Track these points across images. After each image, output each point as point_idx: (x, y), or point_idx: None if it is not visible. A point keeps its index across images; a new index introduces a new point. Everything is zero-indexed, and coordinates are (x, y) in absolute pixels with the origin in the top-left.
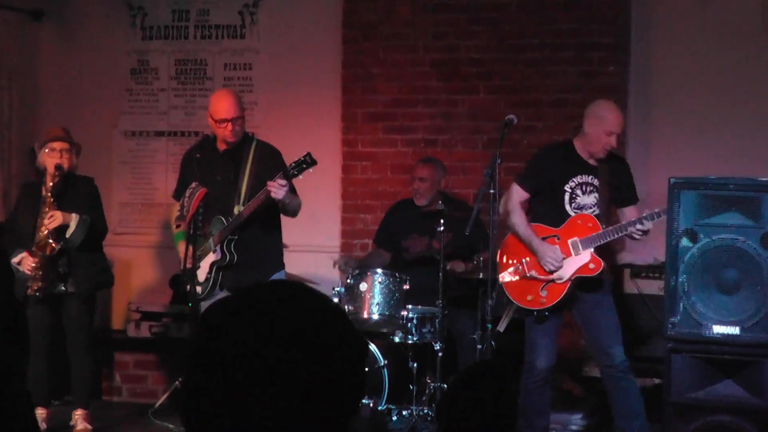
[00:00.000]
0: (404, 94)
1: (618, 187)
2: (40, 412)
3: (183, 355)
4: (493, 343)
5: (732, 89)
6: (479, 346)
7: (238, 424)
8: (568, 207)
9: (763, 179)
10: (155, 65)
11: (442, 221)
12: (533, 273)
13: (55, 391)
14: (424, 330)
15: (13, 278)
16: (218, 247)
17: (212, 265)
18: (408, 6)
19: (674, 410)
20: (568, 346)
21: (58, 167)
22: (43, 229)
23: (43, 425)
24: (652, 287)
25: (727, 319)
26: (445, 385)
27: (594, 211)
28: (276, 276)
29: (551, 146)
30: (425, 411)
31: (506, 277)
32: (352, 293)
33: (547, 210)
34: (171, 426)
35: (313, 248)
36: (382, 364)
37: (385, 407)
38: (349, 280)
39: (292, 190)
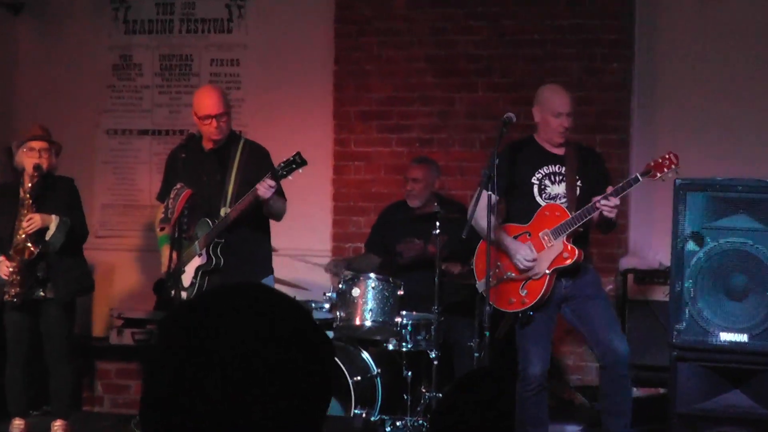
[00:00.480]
0: (399, 91)
1: (588, 175)
2: (18, 423)
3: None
4: (490, 351)
5: (741, 86)
6: (476, 354)
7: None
8: (539, 199)
9: None
10: (139, 61)
11: (438, 224)
12: (510, 274)
13: (34, 401)
14: (419, 337)
15: None
16: (204, 251)
17: (198, 269)
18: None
19: (680, 421)
20: (568, 353)
21: (36, 167)
22: (21, 232)
23: None
24: (657, 293)
25: (735, 326)
26: (441, 395)
27: (563, 200)
28: (265, 280)
29: (510, 144)
30: (420, 422)
31: (482, 286)
32: (345, 299)
33: (520, 207)
34: None
35: (303, 252)
36: (376, 372)
37: (378, 418)
38: (341, 286)
39: (279, 192)
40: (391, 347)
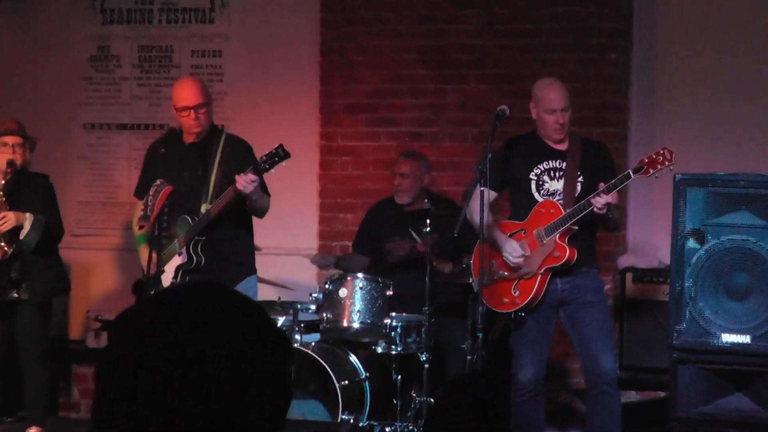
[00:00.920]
0: (388, 83)
1: (592, 171)
2: None
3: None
4: (484, 353)
5: (744, 77)
6: (469, 357)
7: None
8: (536, 195)
9: None
10: (117, 52)
11: (428, 221)
12: (502, 273)
13: (8, 406)
14: (409, 339)
15: None
16: (184, 250)
17: (178, 268)
18: None
19: (680, 426)
20: (565, 356)
21: (10, 163)
22: None
23: None
24: (657, 293)
25: (737, 327)
26: (432, 400)
27: (561, 197)
28: (248, 281)
29: (510, 139)
30: (410, 427)
31: (477, 284)
32: (331, 300)
33: (519, 203)
34: None
35: (287, 251)
36: (364, 376)
37: (366, 423)
38: (327, 286)
39: (262, 188)
40: (380, 350)
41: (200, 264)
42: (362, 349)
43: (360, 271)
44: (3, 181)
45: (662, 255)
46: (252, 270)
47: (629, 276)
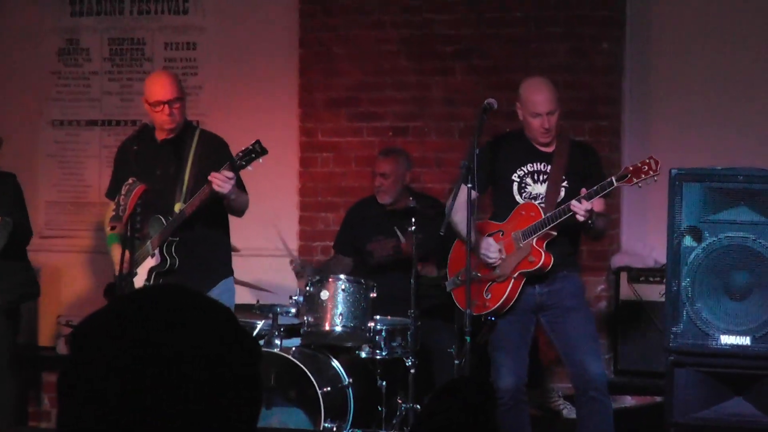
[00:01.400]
0: (370, 76)
1: (578, 176)
2: None
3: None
4: (471, 357)
5: (742, 69)
6: (456, 362)
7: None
8: (518, 197)
9: None
10: (86, 45)
11: (413, 220)
12: (476, 274)
13: None
14: (394, 344)
15: None
16: (157, 251)
17: (151, 271)
18: None
19: None
20: (555, 360)
21: None
22: None
23: None
24: (652, 293)
25: (737, 328)
26: (419, 406)
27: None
28: (224, 282)
29: (495, 137)
30: None
31: (451, 284)
32: (312, 302)
33: (500, 204)
34: None
35: (266, 252)
36: (347, 383)
37: None
38: (308, 288)
39: (239, 185)
40: (363, 355)
41: (174, 266)
42: (345, 353)
43: (343, 273)
44: None
45: (658, 254)
46: (229, 272)
47: (623, 276)
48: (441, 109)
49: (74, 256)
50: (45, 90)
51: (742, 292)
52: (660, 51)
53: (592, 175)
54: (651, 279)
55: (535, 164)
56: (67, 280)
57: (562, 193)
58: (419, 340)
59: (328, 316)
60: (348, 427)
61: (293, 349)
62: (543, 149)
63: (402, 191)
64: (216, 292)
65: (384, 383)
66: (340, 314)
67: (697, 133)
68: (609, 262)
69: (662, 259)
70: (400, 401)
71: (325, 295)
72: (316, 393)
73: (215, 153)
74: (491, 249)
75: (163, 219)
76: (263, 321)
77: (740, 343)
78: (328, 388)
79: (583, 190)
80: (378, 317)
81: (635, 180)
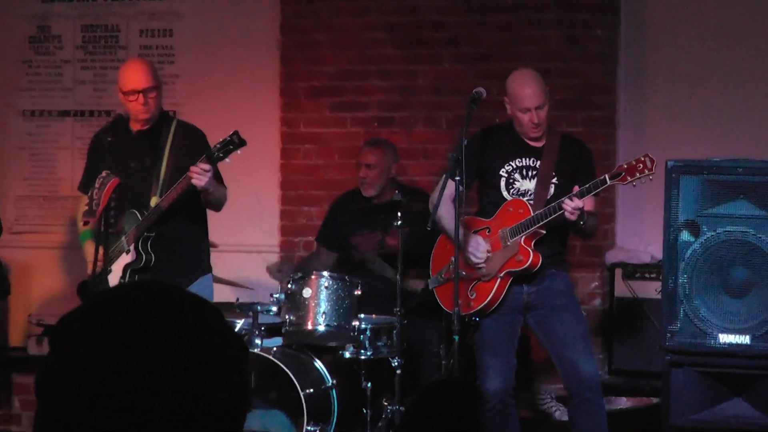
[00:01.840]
0: (354, 64)
1: (568, 172)
2: None
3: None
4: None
5: (740, 57)
6: (444, 362)
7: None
8: (505, 193)
9: None
10: (58, 32)
11: (399, 214)
12: (460, 271)
13: None
14: (379, 343)
15: None
16: (132, 247)
17: (126, 267)
18: None
19: None
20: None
21: None
22: None
23: None
24: (648, 290)
25: (736, 327)
26: (406, 406)
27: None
28: (202, 280)
29: (485, 129)
30: None
31: (434, 281)
32: (294, 301)
33: (487, 200)
34: None
35: (246, 248)
36: (330, 384)
37: None
38: (290, 285)
39: (217, 178)
40: (347, 355)
41: (150, 262)
42: (328, 354)
43: (325, 270)
44: None
45: (654, 249)
46: (207, 268)
47: (618, 272)
48: (428, 99)
49: (46, 253)
50: (15, 79)
51: (742, 288)
52: (655, 38)
53: (583, 171)
54: (647, 275)
55: (524, 159)
56: (39, 277)
57: (552, 190)
58: (405, 340)
59: (311, 314)
60: (332, 430)
61: (274, 349)
62: (533, 144)
63: (387, 184)
64: (194, 290)
65: (369, 384)
66: (323, 313)
67: (695, 124)
68: (603, 257)
69: (658, 254)
70: (385, 403)
71: (307, 292)
72: (299, 395)
73: (193, 144)
74: (479, 249)
75: (138, 213)
76: (243, 320)
77: (739, 341)
78: (311, 390)
79: (576, 188)
80: (362, 316)
81: (629, 179)
